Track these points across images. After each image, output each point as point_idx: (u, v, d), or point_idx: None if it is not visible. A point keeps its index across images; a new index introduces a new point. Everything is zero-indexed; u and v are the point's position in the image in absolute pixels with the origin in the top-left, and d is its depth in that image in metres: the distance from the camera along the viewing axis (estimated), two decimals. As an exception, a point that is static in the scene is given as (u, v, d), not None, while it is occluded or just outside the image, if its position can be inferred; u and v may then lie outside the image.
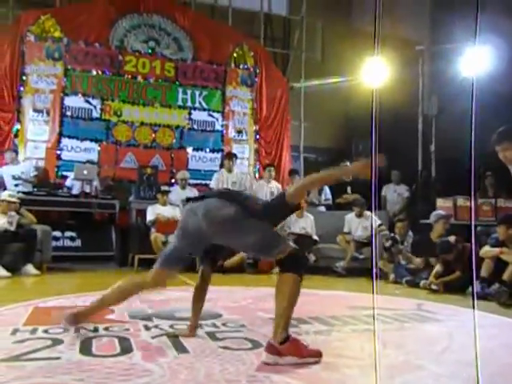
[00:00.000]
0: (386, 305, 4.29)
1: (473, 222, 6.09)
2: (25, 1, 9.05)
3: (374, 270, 6.27)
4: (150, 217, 7.12)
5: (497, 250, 5.22)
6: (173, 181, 8.74)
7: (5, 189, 7.06)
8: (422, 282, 5.64)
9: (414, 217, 7.51)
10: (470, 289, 5.14)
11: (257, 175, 9.61)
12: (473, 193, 6.01)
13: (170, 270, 2.87)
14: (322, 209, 8.40)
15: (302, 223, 7.40)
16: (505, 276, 5.07)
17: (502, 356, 2.81)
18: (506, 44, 7.11)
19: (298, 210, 7.46)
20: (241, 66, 9.85)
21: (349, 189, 8.17)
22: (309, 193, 8.53)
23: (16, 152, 7.95)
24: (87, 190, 7.51)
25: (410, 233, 6.85)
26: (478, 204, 6.65)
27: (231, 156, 8.18)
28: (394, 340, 3.05)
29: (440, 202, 7.12)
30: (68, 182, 7.97)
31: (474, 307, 3.60)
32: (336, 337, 3.15)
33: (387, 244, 6.54)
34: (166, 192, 7.47)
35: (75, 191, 7.55)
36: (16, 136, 8.32)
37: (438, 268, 5.57)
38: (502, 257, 5.16)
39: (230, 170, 8.01)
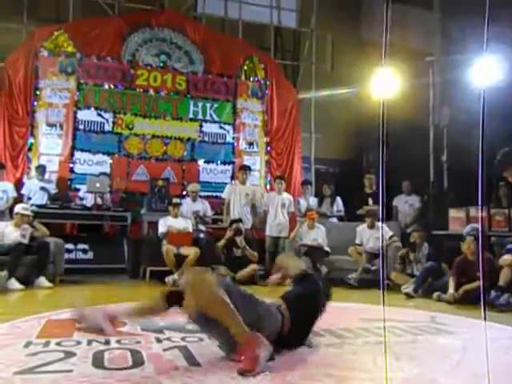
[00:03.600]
0: (398, 317, 4.25)
1: (481, 232, 6.01)
2: (38, 17, 9.22)
3: (384, 282, 6.25)
4: (161, 229, 7.14)
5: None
6: (184, 193, 8.77)
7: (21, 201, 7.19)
8: (435, 294, 5.58)
9: (427, 228, 7.45)
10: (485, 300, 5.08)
11: (268, 187, 9.62)
12: (484, 202, 5.96)
13: None
14: (334, 220, 8.38)
15: (314, 235, 7.38)
16: None
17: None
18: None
19: (309, 223, 7.45)
20: (251, 79, 9.90)
21: (370, 200, 8.13)
22: (321, 202, 8.50)
23: (44, 169, 8.08)
24: (99, 202, 7.59)
25: (426, 244, 6.80)
26: (490, 214, 6.57)
27: (246, 168, 8.19)
28: (407, 353, 3.02)
29: (453, 212, 7.05)
30: (81, 194, 8.06)
31: (485, 318, 3.57)
32: (348, 349, 3.13)
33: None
34: (178, 204, 7.47)
35: (88, 203, 7.63)
36: (30, 150, 8.42)
37: (451, 281, 5.50)
38: None
39: (243, 183, 8.02)
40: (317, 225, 7.47)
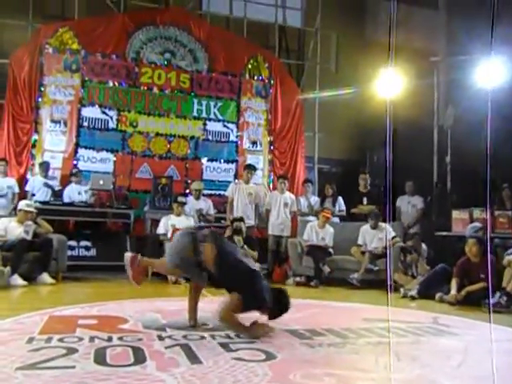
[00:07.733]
0: (400, 317, 4.25)
1: (488, 234, 6.00)
2: (43, 14, 9.22)
3: (389, 283, 6.21)
4: (161, 229, 7.08)
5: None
6: (187, 191, 8.76)
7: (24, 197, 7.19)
8: (438, 295, 5.57)
9: (429, 229, 7.43)
10: (486, 301, 5.07)
11: (271, 186, 9.62)
12: (489, 204, 5.94)
13: None
14: (336, 220, 8.35)
15: (322, 234, 7.36)
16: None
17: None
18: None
19: (322, 220, 7.43)
20: (255, 77, 9.89)
21: (365, 200, 8.12)
22: (323, 202, 8.47)
23: (48, 165, 8.07)
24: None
25: (424, 246, 6.79)
26: (494, 216, 6.56)
27: (251, 168, 8.19)
28: (409, 353, 3.02)
29: (456, 213, 7.04)
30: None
31: (490, 321, 3.56)
32: (350, 349, 3.13)
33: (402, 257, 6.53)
34: (183, 203, 7.41)
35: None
36: (33, 146, 8.42)
37: (453, 282, 5.48)
38: None
39: (247, 182, 8.02)
40: (326, 225, 7.45)
